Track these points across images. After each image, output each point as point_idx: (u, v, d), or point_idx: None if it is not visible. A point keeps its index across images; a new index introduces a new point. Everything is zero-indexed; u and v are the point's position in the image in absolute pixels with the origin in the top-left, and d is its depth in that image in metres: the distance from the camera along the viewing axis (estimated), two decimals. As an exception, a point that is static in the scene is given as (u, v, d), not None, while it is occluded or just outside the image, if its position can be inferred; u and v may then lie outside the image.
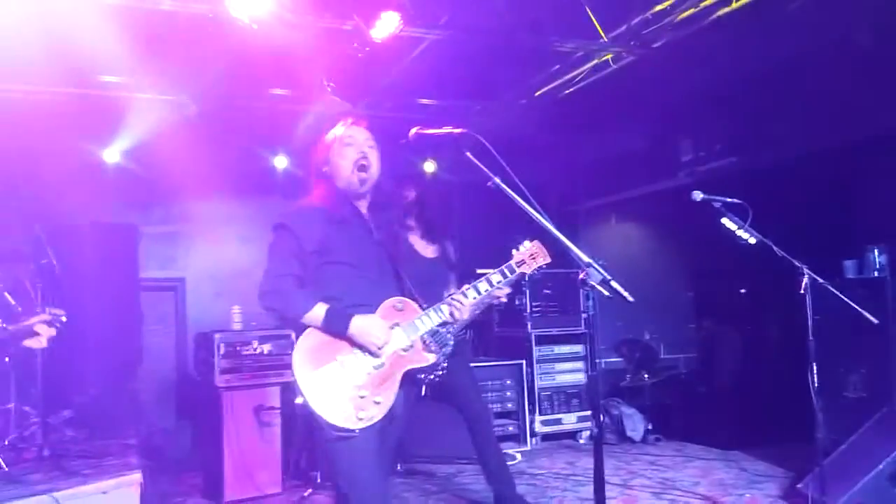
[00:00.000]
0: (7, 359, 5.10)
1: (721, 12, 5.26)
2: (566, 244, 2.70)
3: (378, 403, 2.85)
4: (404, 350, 2.95)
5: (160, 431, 6.84)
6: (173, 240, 7.82)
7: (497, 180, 2.80)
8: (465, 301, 3.04)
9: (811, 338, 4.09)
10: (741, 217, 4.21)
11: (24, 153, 6.45)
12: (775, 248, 4.17)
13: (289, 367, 5.79)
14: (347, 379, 2.84)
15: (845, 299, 4.20)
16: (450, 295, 3.10)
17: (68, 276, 5.70)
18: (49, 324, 4.00)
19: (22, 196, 5.90)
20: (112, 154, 7.14)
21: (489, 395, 7.06)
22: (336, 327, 2.87)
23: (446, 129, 2.96)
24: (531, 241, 3.14)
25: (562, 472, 6.27)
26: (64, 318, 4.07)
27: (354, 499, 2.85)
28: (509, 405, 7.30)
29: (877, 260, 5.48)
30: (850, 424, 5.02)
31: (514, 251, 3.15)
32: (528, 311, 7.50)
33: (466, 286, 3.07)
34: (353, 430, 2.78)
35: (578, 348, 7.72)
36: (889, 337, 5.08)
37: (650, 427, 7.33)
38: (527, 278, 3.28)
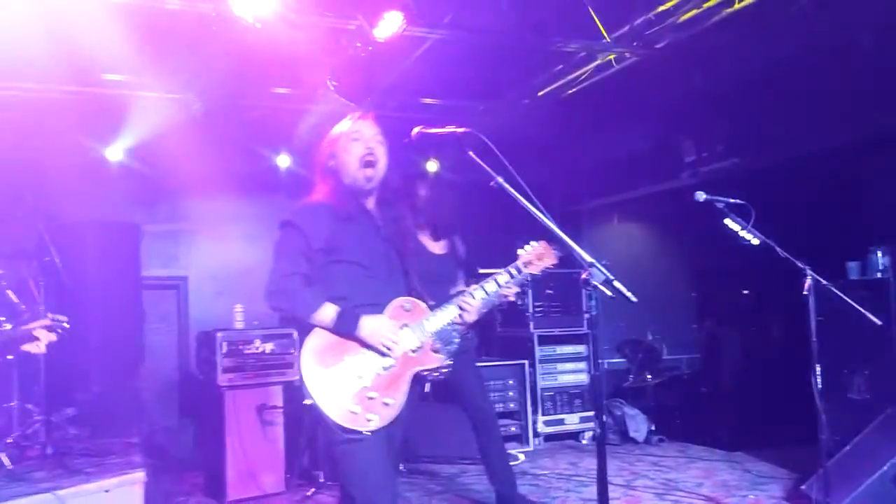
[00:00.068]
0: (10, 356, 5.11)
1: (724, 13, 5.25)
2: (569, 244, 2.70)
3: (387, 405, 2.81)
4: (413, 351, 2.92)
5: (162, 430, 6.85)
6: (176, 238, 7.82)
7: (500, 180, 2.79)
8: (473, 302, 3.01)
9: (814, 339, 4.08)
10: (744, 218, 4.20)
11: (28, 151, 6.46)
12: (778, 248, 4.16)
13: (291, 366, 5.91)
14: (356, 380, 2.80)
15: (849, 300, 4.19)
16: (458, 293, 3.07)
17: (71, 274, 5.71)
18: (49, 329, 3.98)
19: (25, 194, 5.90)
20: (115, 152, 7.15)
21: (492, 395, 7.04)
22: (345, 328, 2.83)
23: (449, 129, 2.93)
24: (538, 241, 3.10)
25: (564, 473, 6.26)
26: (66, 325, 4.05)
27: (361, 502, 2.81)
28: (512, 405, 7.30)
29: (880, 261, 5.46)
30: (853, 426, 5.00)
31: (520, 251, 3.12)
32: (531, 311, 7.50)
33: (474, 286, 3.04)
34: (362, 433, 2.74)
35: (581, 348, 7.72)
36: (893, 338, 5.07)
37: (653, 428, 7.33)
38: (529, 278, 3.24)
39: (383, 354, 2.85)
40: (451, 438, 6.48)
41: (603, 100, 6.90)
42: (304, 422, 5.78)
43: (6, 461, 4.60)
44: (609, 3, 5.47)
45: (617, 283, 2.58)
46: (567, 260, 3.02)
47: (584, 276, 2.60)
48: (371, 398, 2.79)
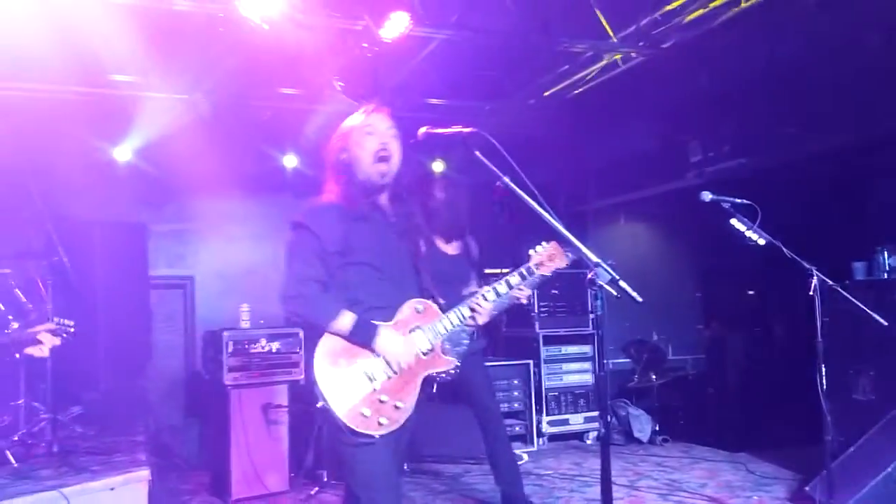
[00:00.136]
0: (18, 355, 5.13)
1: (730, 13, 5.25)
2: (575, 244, 2.70)
3: (398, 408, 2.79)
4: (425, 353, 2.89)
5: (168, 429, 6.87)
6: (182, 238, 7.85)
7: (506, 180, 2.79)
8: (484, 304, 2.97)
9: (820, 339, 4.08)
10: (750, 218, 4.20)
11: (37, 151, 6.49)
12: (784, 249, 4.16)
13: (297, 365, 5.92)
14: (368, 383, 2.78)
15: (854, 301, 4.19)
16: (470, 295, 3.03)
17: (79, 274, 5.74)
18: (54, 333, 3.98)
19: (34, 194, 5.94)
20: (123, 152, 7.18)
21: (496, 394, 7.06)
22: (361, 339, 2.78)
23: (455, 129, 2.92)
24: (548, 242, 3.04)
25: (568, 473, 6.26)
26: (72, 329, 4.04)
27: (366, 503, 2.78)
28: (516, 405, 7.30)
29: (886, 262, 5.45)
30: (858, 427, 4.99)
31: (531, 252, 3.07)
32: (536, 311, 7.50)
33: (486, 288, 3.00)
34: (373, 436, 2.72)
35: (586, 349, 7.71)
36: (898, 339, 5.06)
37: (657, 428, 7.32)
38: (539, 280, 3.21)
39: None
40: (455, 438, 6.49)
41: (609, 100, 6.90)
42: (309, 421, 5.80)
43: (12, 459, 4.63)
44: (615, 4, 5.48)
45: (623, 283, 2.57)
46: (573, 260, 3.02)
47: (589, 275, 2.60)
48: (382, 401, 2.76)
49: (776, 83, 6.17)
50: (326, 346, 2.79)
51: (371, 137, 2.94)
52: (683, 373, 8.09)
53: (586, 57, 6.21)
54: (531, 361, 7.39)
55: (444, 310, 2.98)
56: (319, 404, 2.73)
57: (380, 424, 2.74)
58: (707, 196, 4.18)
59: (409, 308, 2.92)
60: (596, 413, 7.46)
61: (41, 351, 3.92)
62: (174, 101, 6.54)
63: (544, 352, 7.51)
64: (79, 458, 4.81)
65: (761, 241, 4.19)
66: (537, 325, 7.52)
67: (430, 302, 2.98)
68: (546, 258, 3.01)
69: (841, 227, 6.30)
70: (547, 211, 2.73)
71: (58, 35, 5.05)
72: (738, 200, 4.23)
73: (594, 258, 2.61)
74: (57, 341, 3.96)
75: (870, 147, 5.85)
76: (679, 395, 7.57)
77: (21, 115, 6.14)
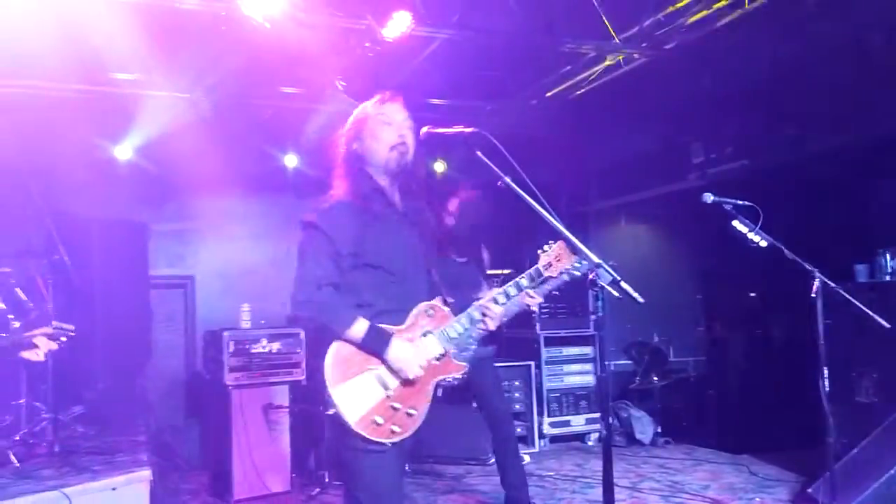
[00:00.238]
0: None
1: (733, 15, 5.24)
2: (576, 245, 2.69)
3: (411, 416, 2.73)
4: (437, 359, 2.81)
5: (169, 429, 6.87)
6: (183, 237, 7.84)
7: (508, 180, 2.77)
8: (496, 308, 2.88)
9: (822, 342, 4.06)
10: (752, 220, 4.19)
11: (38, 149, 6.48)
12: (786, 251, 4.14)
13: (298, 365, 5.90)
14: (381, 390, 2.71)
15: (857, 303, 4.17)
16: (480, 300, 2.94)
17: (79, 273, 5.73)
18: (51, 337, 3.94)
19: (34, 192, 5.93)
20: (124, 151, 7.17)
21: (500, 396, 7.06)
22: (374, 348, 2.70)
23: (457, 129, 2.89)
24: (555, 241, 2.94)
25: (570, 475, 6.26)
26: (72, 333, 4.00)
27: None
28: (518, 406, 7.29)
29: (888, 264, 5.45)
30: (861, 429, 4.99)
31: (539, 252, 2.97)
32: (537, 312, 7.49)
33: (497, 290, 2.92)
34: (385, 444, 2.67)
35: (587, 350, 7.70)
36: (901, 341, 5.05)
37: (659, 430, 7.32)
38: (550, 286, 3.14)
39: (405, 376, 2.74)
40: (457, 439, 6.49)
41: (611, 101, 6.90)
42: (310, 422, 5.80)
43: (14, 459, 4.62)
44: (618, 4, 5.47)
45: (624, 284, 2.55)
46: (587, 268, 2.97)
47: (590, 276, 2.58)
48: (395, 409, 2.70)
49: (778, 84, 6.17)
50: (338, 351, 2.70)
51: (387, 128, 2.83)
52: (685, 374, 8.08)
53: (589, 58, 6.21)
54: (532, 363, 7.39)
55: (453, 310, 2.90)
56: (331, 411, 2.66)
57: (392, 432, 2.68)
58: (709, 197, 4.17)
59: (420, 311, 2.85)
60: (597, 414, 7.45)
61: (37, 355, 3.85)
62: (175, 100, 6.53)
63: (545, 353, 7.51)
64: (80, 458, 4.81)
65: (763, 243, 4.18)
66: (538, 327, 7.52)
67: (441, 304, 2.90)
68: (554, 258, 2.94)
69: (843, 228, 6.28)
70: (548, 212, 2.72)
71: (59, 32, 5.05)
72: (740, 202, 4.21)
73: (595, 259, 2.60)
74: (54, 346, 3.87)
75: (871, 148, 5.84)
76: (681, 396, 7.57)
77: (22, 113, 6.14)
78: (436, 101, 7.28)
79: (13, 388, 5.31)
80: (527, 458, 6.81)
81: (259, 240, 7.71)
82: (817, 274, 4.10)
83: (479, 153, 2.83)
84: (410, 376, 2.73)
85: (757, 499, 5.31)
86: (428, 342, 2.81)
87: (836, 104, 5.77)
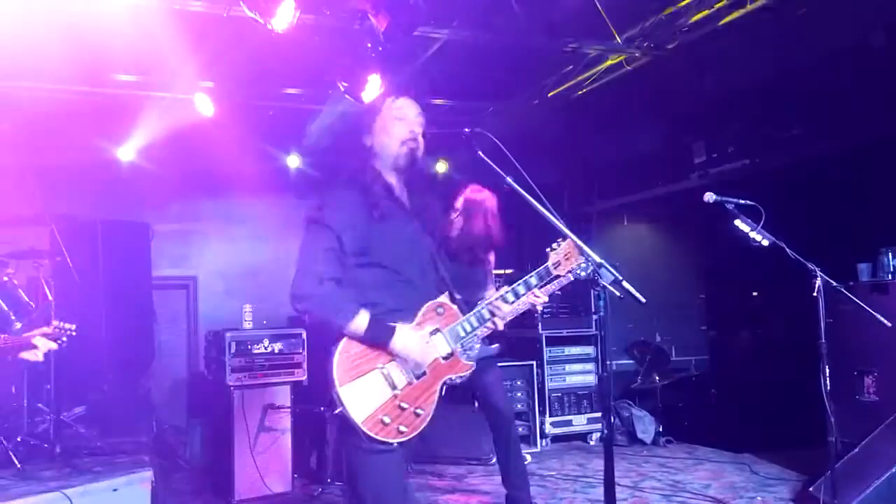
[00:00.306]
0: (10, 358, 5.13)
1: (735, 15, 5.24)
2: (578, 245, 2.69)
3: (419, 415, 2.72)
4: (445, 358, 2.80)
5: (171, 429, 6.87)
6: (186, 238, 7.86)
7: (510, 180, 2.76)
8: (505, 307, 2.88)
9: (823, 340, 4.07)
10: (754, 219, 4.19)
11: (41, 151, 6.50)
12: (788, 250, 4.14)
13: (299, 365, 5.90)
14: (389, 389, 2.69)
15: (858, 302, 4.18)
16: (488, 299, 2.93)
17: (82, 274, 5.74)
18: (50, 337, 3.92)
19: (37, 193, 5.95)
20: (127, 152, 7.18)
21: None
22: (377, 338, 2.68)
23: (459, 129, 2.90)
24: (564, 239, 2.92)
25: (572, 474, 6.26)
26: (73, 333, 3.99)
27: None
28: (519, 406, 7.29)
29: (890, 263, 5.44)
30: (862, 428, 4.99)
31: (548, 250, 2.96)
32: (539, 311, 7.49)
33: (506, 288, 2.91)
34: (392, 444, 2.66)
35: (589, 350, 7.71)
36: (902, 340, 5.05)
37: (661, 429, 7.32)
38: (558, 286, 3.11)
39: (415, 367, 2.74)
40: (458, 439, 6.49)
41: (613, 101, 6.89)
42: (312, 422, 5.80)
43: (16, 460, 4.63)
44: (620, 5, 5.46)
45: (626, 284, 2.55)
46: (593, 270, 2.96)
47: (585, 275, 2.58)
48: (403, 408, 2.68)
49: (780, 84, 6.17)
50: (345, 349, 2.68)
51: (401, 124, 2.83)
52: (687, 374, 8.09)
53: (590, 58, 6.20)
54: (534, 362, 7.39)
55: (461, 307, 2.89)
56: (338, 410, 2.64)
57: (399, 432, 2.67)
58: (711, 197, 4.17)
59: (428, 309, 2.82)
60: (599, 414, 7.45)
61: (35, 356, 3.83)
62: (177, 101, 6.53)
63: (547, 353, 7.52)
64: (82, 459, 4.83)
65: (765, 242, 4.18)
66: (540, 326, 7.52)
67: (449, 303, 2.87)
68: (563, 257, 2.91)
69: (845, 228, 6.29)
70: (551, 212, 2.72)
71: (62, 34, 5.05)
72: (742, 201, 4.21)
73: (598, 259, 2.60)
74: (53, 346, 3.84)
75: (874, 147, 5.84)
76: (682, 396, 7.57)
77: (25, 115, 6.16)
78: (438, 102, 7.28)
79: (15, 388, 5.32)
80: (528, 458, 6.81)
81: (261, 240, 7.72)
82: (819, 273, 4.10)
83: (480, 153, 2.83)
84: (420, 363, 2.71)
85: (759, 498, 5.31)
86: (437, 341, 2.80)
87: (838, 103, 5.78)
